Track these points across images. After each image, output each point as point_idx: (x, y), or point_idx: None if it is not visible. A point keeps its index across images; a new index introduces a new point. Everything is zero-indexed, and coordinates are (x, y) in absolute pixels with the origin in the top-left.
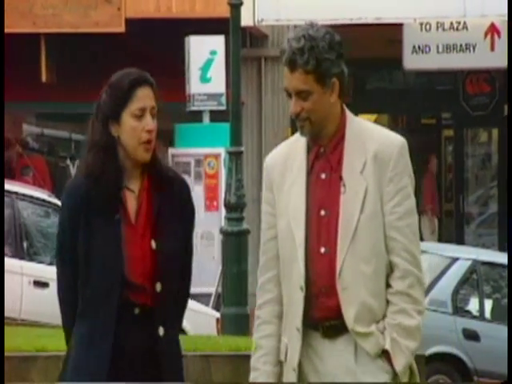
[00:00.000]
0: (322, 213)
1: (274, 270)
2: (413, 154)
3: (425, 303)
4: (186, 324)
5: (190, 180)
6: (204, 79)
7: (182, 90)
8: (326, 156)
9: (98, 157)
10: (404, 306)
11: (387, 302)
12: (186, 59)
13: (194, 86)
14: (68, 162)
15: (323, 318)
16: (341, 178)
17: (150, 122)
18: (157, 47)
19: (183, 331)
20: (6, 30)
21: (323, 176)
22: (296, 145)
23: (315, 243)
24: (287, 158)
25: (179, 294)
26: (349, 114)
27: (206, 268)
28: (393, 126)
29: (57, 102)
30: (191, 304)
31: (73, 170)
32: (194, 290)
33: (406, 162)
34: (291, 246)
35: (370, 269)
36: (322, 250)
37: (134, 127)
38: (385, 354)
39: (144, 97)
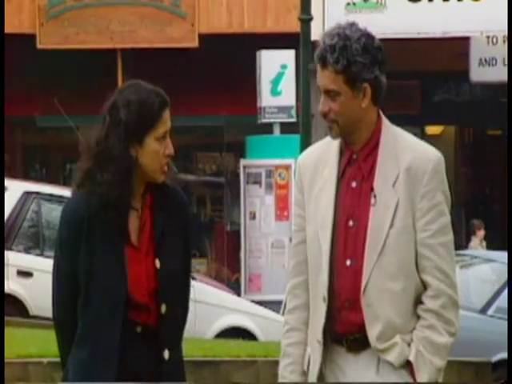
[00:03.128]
0: (350, 223)
1: (304, 274)
2: (481, 165)
3: (458, 324)
4: (257, 330)
5: (261, 190)
6: (275, 92)
7: (253, 102)
8: (358, 163)
9: (118, 179)
10: (435, 322)
11: (418, 317)
12: (258, 73)
13: (265, 98)
14: None
15: (347, 333)
16: (372, 189)
17: (170, 146)
18: (229, 61)
19: (254, 337)
20: (85, 46)
21: (354, 184)
22: (329, 147)
23: (341, 255)
24: (319, 160)
25: (181, 315)
26: (386, 122)
27: (277, 276)
28: (459, 138)
29: None
30: (262, 311)
31: None
32: (265, 297)
33: (441, 178)
34: (317, 255)
35: (398, 286)
36: (348, 262)
37: (157, 151)
38: (408, 366)
39: (168, 119)
